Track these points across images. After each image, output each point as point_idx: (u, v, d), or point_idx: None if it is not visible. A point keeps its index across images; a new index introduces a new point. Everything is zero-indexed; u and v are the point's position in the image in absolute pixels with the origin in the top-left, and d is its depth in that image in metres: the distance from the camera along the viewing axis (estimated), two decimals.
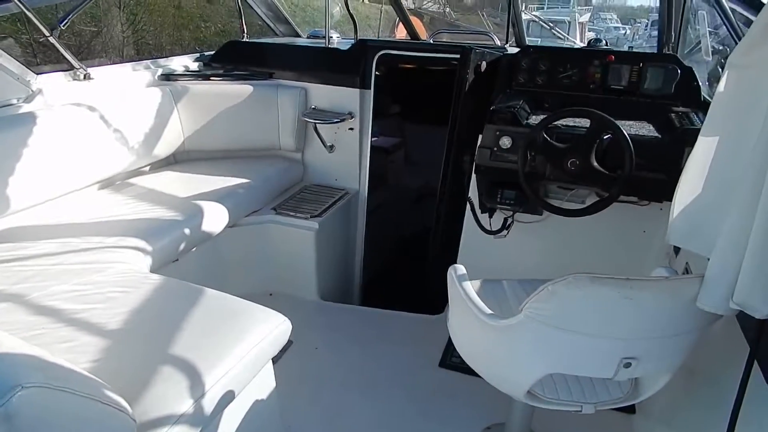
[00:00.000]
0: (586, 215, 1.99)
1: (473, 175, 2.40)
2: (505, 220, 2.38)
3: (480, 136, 2.28)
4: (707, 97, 2.30)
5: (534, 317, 1.14)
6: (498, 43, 3.27)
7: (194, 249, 2.36)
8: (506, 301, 1.69)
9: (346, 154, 3.01)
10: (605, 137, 1.96)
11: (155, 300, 1.65)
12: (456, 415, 2.01)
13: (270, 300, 2.73)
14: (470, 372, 2.22)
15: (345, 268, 3.07)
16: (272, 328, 1.59)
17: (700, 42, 2.44)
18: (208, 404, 1.32)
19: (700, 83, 2.31)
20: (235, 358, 1.43)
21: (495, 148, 2.19)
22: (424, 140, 3.93)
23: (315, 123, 2.91)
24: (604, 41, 3.01)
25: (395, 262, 3.60)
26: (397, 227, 3.75)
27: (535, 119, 2.26)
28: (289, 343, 2.38)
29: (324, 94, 2.96)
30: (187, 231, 2.24)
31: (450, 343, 2.40)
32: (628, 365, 1.16)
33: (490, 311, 1.30)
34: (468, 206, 2.52)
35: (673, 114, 2.22)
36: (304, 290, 2.71)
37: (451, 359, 2.31)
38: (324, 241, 2.69)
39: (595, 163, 1.95)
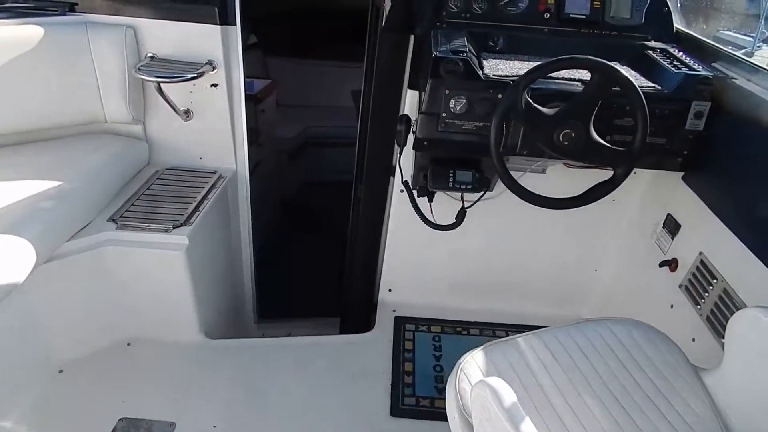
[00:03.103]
0: (585, 204, 1.47)
1: (410, 150, 1.74)
2: (461, 210, 1.77)
3: (406, 93, 1.65)
4: (681, 28, 1.86)
5: None
6: None
7: None
8: (531, 379, 1.12)
9: (212, 119, 2.11)
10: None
11: None
12: None
13: (128, 352, 1.87)
14: (433, 416, 1.71)
15: (233, 286, 2.26)
16: None
17: None
18: None
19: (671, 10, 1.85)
20: None
21: (444, 114, 1.55)
22: (327, 95, 3.07)
23: (157, 82, 1.93)
24: None
25: (302, 266, 2.72)
26: (297, 216, 2.91)
27: (489, 67, 1.62)
28: (171, 426, 1.61)
29: (165, 35, 1.97)
30: None
31: (397, 379, 1.82)
32: None
33: None
34: (393, 184, 1.91)
35: (650, 51, 1.75)
36: (179, 330, 1.89)
37: (404, 402, 1.74)
38: (200, 258, 1.86)
39: (595, 135, 1.41)
